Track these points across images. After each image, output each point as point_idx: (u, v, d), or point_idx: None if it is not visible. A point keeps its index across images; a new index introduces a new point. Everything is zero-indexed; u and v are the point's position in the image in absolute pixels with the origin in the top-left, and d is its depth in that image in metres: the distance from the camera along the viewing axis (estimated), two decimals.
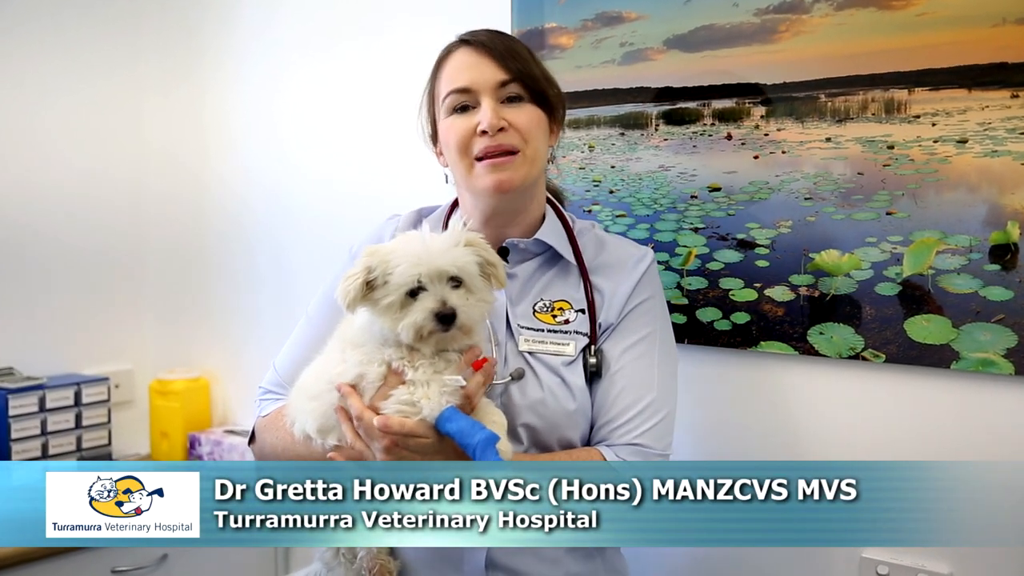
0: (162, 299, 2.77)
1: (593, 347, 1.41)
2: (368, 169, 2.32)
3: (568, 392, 1.38)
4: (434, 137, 1.49)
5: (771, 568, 1.72)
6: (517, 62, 1.41)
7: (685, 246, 1.81)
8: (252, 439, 1.51)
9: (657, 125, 1.84)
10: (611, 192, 1.89)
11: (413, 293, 1.23)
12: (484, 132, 1.38)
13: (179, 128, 2.71)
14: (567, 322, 1.42)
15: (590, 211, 1.91)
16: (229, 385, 2.65)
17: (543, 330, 1.41)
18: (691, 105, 1.79)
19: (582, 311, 1.43)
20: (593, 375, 1.40)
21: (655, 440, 1.37)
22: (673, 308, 1.80)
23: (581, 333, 1.42)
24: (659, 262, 1.80)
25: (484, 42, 1.42)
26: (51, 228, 2.56)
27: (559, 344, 1.40)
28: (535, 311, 1.43)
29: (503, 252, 1.45)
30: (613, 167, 1.89)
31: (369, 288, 1.25)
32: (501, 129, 1.38)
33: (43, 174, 2.55)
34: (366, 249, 1.28)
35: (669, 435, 1.41)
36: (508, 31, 1.97)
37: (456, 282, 1.25)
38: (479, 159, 1.40)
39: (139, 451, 2.65)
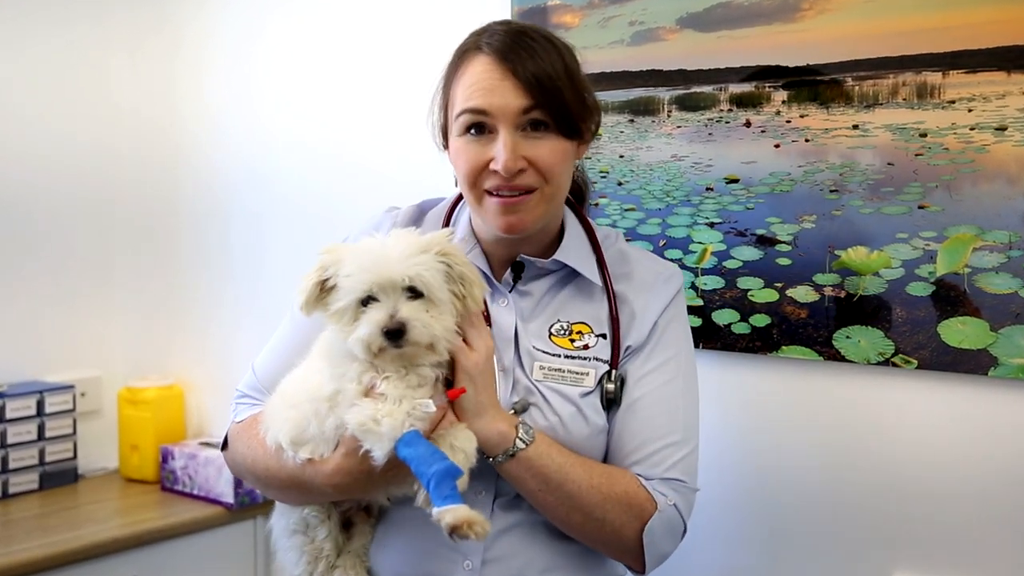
0: (132, 297, 2.75)
1: (613, 372, 1.38)
2: (353, 133, 2.31)
3: (583, 421, 1.36)
4: (445, 134, 1.42)
5: None
6: (543, 80, 1.30)
7: (700, 243, 1.80)
8: (225, 445, 1.49)
9: (670, 111, 1.83)
10: (620, 184, 1.88)
11: (366, 303, 1.19)
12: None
13: (149, 87, 2.68)
14: (586, 347, 1.39)
15: (597, 204, 1.90)
16: (205, 393, 2.64)
17: (559, 355, 1.38)
18: (706, 89, 1.78)
19: (603, 336, 1.40)
20: (611, 401, 1.38)
21: (687, 474, 1.36)
22: (687, 309, 1.79)
23: (601, 360, 1.39)
24: (671, 260, 1.79)
25: (506, 53, 1.30)
26: (9, 213, 2.52)
27: (577, 374, 1.37)
28: (551, 334, 1.40)
29: (518, 267, 1.42)
30: (622, 157, 1.88)
31: (324, 291, 1.22)
32: (520, 170, 1.31)
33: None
34: (325, 247, 1.25)
35: (697, 467, 1.39)
36: (508, 9, 1.97)
37: (414, 293, 1.19)
38: (490, 193, 1.34)
39: (107, 465, 2.63)
